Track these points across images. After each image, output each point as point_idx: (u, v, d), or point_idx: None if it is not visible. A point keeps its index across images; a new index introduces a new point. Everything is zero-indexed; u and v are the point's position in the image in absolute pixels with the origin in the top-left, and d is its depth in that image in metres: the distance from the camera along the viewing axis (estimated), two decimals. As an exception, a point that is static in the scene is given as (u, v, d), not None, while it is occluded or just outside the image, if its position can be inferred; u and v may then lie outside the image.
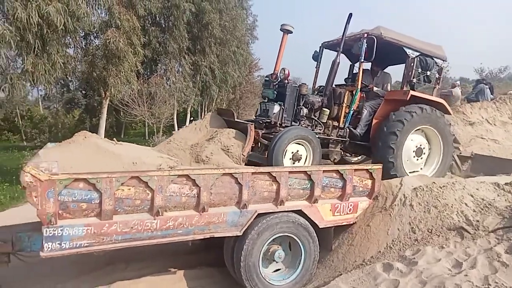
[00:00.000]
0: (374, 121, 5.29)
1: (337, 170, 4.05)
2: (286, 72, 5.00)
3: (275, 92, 5.10)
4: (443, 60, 5.69)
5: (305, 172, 3.84)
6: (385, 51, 5.17)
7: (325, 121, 5.33)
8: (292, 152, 4.61)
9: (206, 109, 26.60)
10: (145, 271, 4.24)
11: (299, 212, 3.90)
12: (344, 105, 5.35)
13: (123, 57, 10.98)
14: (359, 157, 6.31)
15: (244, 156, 4.49)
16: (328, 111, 5.32)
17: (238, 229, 3.58)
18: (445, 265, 3.23)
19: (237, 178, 3.47)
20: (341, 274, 3.75)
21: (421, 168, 5.35)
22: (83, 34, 12.20)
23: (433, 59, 5.54)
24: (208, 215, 3.42)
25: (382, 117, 5.19)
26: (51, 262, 3.41)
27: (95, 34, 12.71)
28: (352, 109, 5.34)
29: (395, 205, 4.17)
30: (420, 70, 5.46)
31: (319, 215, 3.99)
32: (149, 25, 15.84)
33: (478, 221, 3.74)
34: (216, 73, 19.88)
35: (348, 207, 4.20)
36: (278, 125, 4.91)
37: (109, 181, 2.96)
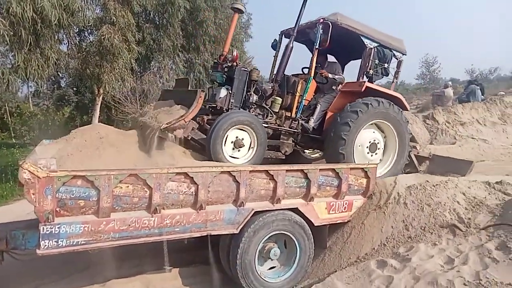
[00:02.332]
0: (329, 113, 5.09)
1: (333, 168, 4.10)
2: (235, 53, 4.71)
3: (224, 75, 4.79)
4: (403, 54, 5.56)
5: (302, 171, 3.87)
6: (340, 38, 4.99)
7: (277, 111, 5.06)
8: (234, 139, 4.35)
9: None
10: (140, 269, 4.24)
11: (295, 210, 3.93)
12: (297, 94, 5.10)
13: (117, 54, 10.87)
14: (320, 153, 6.12)
15: (186, 122, 4.08)
16: (281, 100, 5.05)
17: (235, 227, 3.61)
18: (437, 261, 3.30)
19: (235, 176, 3.50)
20: (335, 271, 3.82)
21: (376, 164, 5.10)
22: (77, 30, 12.06)
23: (391, 52, 5.42)
24: (206, 213, 3.44)
25: (337, 110, 4.98)
26: (45, 260, 3.40)
27: (89, 30, 12.57)
28: (304, 98, 5.11)
29: (389, 203, 4.24)
30: (377, 61, 5.29)
31: (314, 213, 4.03)
32: (143, 22, 15.71)
33: (469, 218, 3.83)
34: (209, 71, 19.80)
35: (343, 205, 4.25)
36: (224, 111, 4.57)
37: (108, 179, 2.96)
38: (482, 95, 13.25)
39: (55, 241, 2.88)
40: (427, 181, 4.46)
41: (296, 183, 3.88)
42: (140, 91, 16.91)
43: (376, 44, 5.21)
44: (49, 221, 2.83)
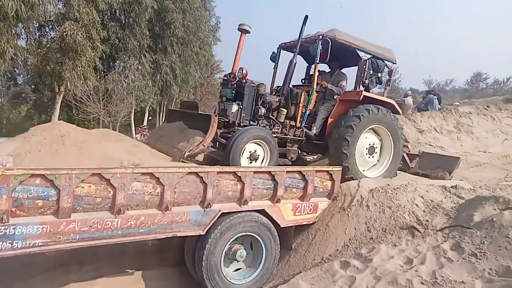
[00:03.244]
0: (329, 120, 5.46)
1: (300, 171, 4.17)
2: (244, 71, 5.02)
3: (233, 91, 5.15)
4: (393, 63, 6.02)
5: (269, 173, 3.91)
6: (340, 52, 5.38)
7: (282, 121, 5.44)
8: (250, 152, 4.66)
9: (165, 109, 26.11)
10: (101, 272, 4.09)
11: (262, 212, 3.95)
12: (301, 105, 5.49)
13: (81, 51, 10.51)
14: (315, 156, 6.50)
15: (204, 147, 4.40)
16: (286, 111, 5.42)
17: (201, 228, 3.57)
18: (397, 261, 3.41)
19: (202, 177, 3.46)
20: (300, 272, 3.85)
21: (374, 165, 5.64)
22: (38, 25, 11.52)
23: (383, 62, 5.84)
24: (171, 214, 3.38)
25: (337, 117, 5.38)
26: (-1, 263, 3.22)
27: (51, 26, 12.05)
28: (308, 109, 5.49)
29: (353, 205, 4.36)
30: (372, 71, 5.71)
31: (281, 214, 4.07)
32: (108, 20, 15.29)
33: (427, 220, 4.00)
34: (177, 73, 19.60)
35: (309, 207, 4.32)
36: (237, 125, 4.96)
37: (69, 178, 2.84)
38: (439, 104, 13.97)
39: (9, 243, 2.72)
40: (388, 184, 4.63)
41: (263, 184, 3.90)
42: (104, 91, 16.42)
43: (370, 56, 5.62)
44: (3, 221, 2.67)
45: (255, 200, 3.91)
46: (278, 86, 6.05)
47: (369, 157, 5.50)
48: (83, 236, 3.02)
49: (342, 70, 6.31)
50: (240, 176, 3.69)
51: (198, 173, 3.46)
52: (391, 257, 3.51)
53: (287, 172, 4.04)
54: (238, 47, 5.27)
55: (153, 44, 18.04)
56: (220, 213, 3.64)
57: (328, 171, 4.45)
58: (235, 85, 5.16)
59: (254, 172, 3.80)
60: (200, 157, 4.42)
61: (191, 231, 3.54)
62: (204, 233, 3.59)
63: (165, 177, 3.27)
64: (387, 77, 6.06)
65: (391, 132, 5.57)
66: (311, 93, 5.46)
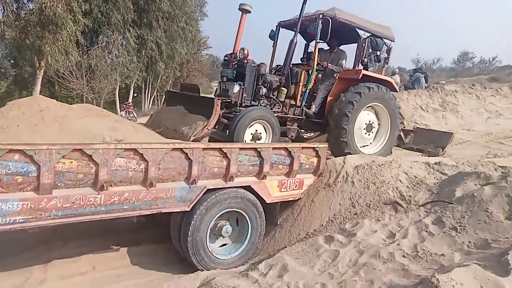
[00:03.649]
0: (329, 98, 5.52)
1: (286, 147, 4.16)
2: (246, 52, 5.03)
3: (234, 71, 5.16)
4: (391, 41, 6.03)
5: (255, 149, 3.89)
6: (339, 30, 5.39)
7: (283, 100, 5.47)
8: (253, 132, 4.77)
9: (150, 86, 25.64)
10: (85, 249, 4.04)
11: (248, 188, 3.95)
12: (301, 84, 5.53)
13: (61, 25, 10.09)
14: (312, 134, 6.63)
15: (209, 130, 4.45)
16: (286, 90, 5.45)
17: (187, 205, 3.56)
18: (380, 236, 3.49)
19: (187, 153, 3.42)
20: (285, 247, 3.91)
21: (371, 142, 5.78)
22: (15, -5, 11.02)
23: (382, 40, 5.87)
24: (156, 191, 3.35)
25: (336, 95, 5.45)
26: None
27: (28, -3, 11.53)
28: (308, 88, 5.53)
29: (338, 181, 4.40)
30: (371, 50, 5.76)
31: (266, 191, 4.08)
32: (90, -8, 14.70)
33: (410, 196, 4.08)
34: (162, 49, 19.15)
35: (295, 183, 4.34)
36: (239, 105, 5.00)
37: (49, 153, 2.77)
38: (426, 82, 14.07)
39: (-12, 220, 2.67)
40: (373, 161, 4.67)
41: (249, 161, 3.89)
42: (87, 66, 15.98)
43: (369, 34, 5.64)
44: (-18, 198, 2.60)
45: (241, 176, 3.90)
46: (278, 65, 6.06)
47: (366, 134, 5.62)
48: (65, 212, 2.97)
49: (341, 48, 6.32)
50: (226, 153, 3.66)
51: (183, 149, 3.42)
52: (374, 231, 3.59)
53: (273, 148, 4.03)
54: (239, 27, 5.24)
55: (138, 18, 17.49)
56: (205, 190, 3.63)
57: (314, 147, 4.45)
58: (236, 65, 5.17)
59: (240, 148, 3.78)
60: (205, 140, 4.44)
61: (177, 208, 3.53)
62: (189, 209, 3.58)
63: (149, 153, 3.22)
64: (386, 55, 6.09)
65: (388, 110, 5.69)
66: (311, 73, 5.49)
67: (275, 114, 5.14)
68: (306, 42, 6.59)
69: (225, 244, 4.07)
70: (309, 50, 6.40)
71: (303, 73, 5.53)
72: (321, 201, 4.30)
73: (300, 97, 5.55)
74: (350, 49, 6.26)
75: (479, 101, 13.19)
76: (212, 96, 5.26)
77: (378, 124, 5.79)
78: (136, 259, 4.06)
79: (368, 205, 4.10)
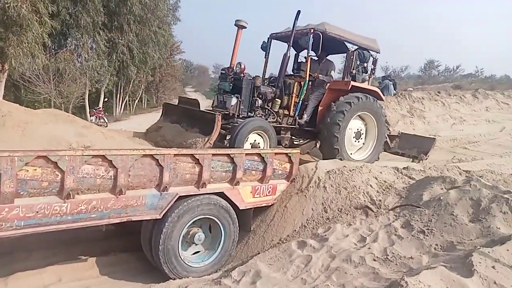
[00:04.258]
0: (320, 108, 5.79)
1: (259, 153, 4.16)
2: (242, 66, 5.29)
3: (231, 84, 5.42)
4: (377, 52, 6.33)
5: (228, 155, 3.86)
6: (328, 43, 5.68)
7: (277, 110, 5.75)
8: (251, 142, 4.96)
9: (122, 91, 25.11)
10: (51, 260, 3.88)
11: (221, 195, 3.92)
12: (294, 95, 5.80)
13: (26, 26, 9.69)
14: (302, 140, 6.76)
15: (211, 144, 4.57)
16: (280, 101, 5.75)
17: (158, 212, 3.48)
18: (352, 240, 3.54)
19: (158, 159, 3.35)
20: (259, 253, 3.89)
21: (360, 148, 6.05)
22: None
23: (369, 52, 6.15)
24: (126, 198, 3.25)
25: (327, 105, 5.71)
26: None
27: (-10, -3, 11.02)
28: (301, 99, 5.79)
29: (310, 187, 4.44)
30: (358, 62, 6.06)
31: (240, 197, 4.06)
32: (57, -6, 14.24)
33: (380, 200, 4.18)
34: (134, 53, 18.81)
35: (268, 189, 4.35)
36: (236, 116, 5.23)
37: (10, 160, 2.64)
38: (394, 89, 14.52)
39: None
40: (345, 166, 4.76)
41: (222, 167, 3.86)
42: (55, 70, 15.45)
43: (356, 47, 6.00)
44: None
45: (214, 182, 3.87)
46: (271, 76, 6.45)
47: (356, 141, 5.94)
48: (28, 222, 2.84)
49: (328, 58, 6.56)
50: (198, 159, 3.61)
51: (154, 156, 3.35)
52: (346, 236, 3.64)
53: (246, 154, 4.02)
54: (235, 42, 5.45)
55: (108, 21, 17.11)
56: (177, 197, 3.56)
57: (286, 153, 4.48)
58: (233, 78, 5.42)
59: (213, 154, 3.74)
60: None
61: (147, 215, 3.44)
62: (160, 217, 3.51)
63: (118, 159, 3.13)
64: (372, 66, 6.36)
65: (376, 118, 5.99)
66: (304, 85, 5.73)
67: (271, 124, 5.34)
68: (296, 53, 6.89)
69: (197, 252, 4.01)
70: (299, 60, 6.69)
71: (295, 84, 5.79)
72: (294, 206, 4.33)
73: (293, 107, 5.81)
74: (335, 58, 6.51)
75: (445, 108, 13.76)
76: (210, 109, 5.54)
77: (366, 132, 6.08)
78: (105, 269, 3.93)
79: (339, 210, 4.16)
